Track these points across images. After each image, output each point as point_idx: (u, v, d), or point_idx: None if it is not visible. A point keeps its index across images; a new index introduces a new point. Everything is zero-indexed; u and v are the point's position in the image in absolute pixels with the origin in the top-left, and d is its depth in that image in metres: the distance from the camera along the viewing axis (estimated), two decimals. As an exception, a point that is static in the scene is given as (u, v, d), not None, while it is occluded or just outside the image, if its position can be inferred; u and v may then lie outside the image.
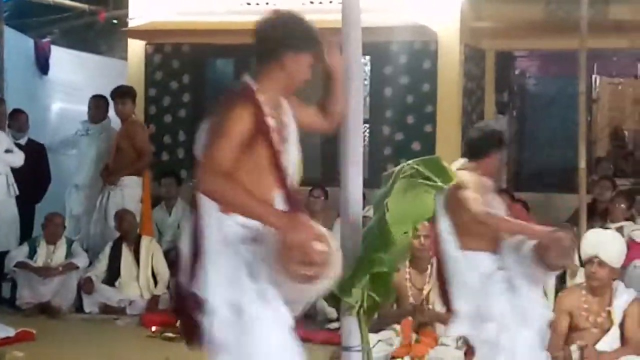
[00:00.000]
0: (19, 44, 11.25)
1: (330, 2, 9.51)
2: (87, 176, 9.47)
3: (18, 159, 8.94)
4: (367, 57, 9.73)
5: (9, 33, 11.03)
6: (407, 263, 6.80)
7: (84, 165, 9.54)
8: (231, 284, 3.31)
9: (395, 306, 6.77)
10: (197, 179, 3.40)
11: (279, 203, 3.46)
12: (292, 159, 3.63)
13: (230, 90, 3.66)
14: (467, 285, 4.98)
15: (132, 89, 9.57)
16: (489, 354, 4.95)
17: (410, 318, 6.63)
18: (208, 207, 3.41)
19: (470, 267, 5.10)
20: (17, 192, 8.94)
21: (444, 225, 5.09)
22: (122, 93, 9.34)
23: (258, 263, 3.32)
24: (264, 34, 3.67)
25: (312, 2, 9.72)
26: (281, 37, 3.58)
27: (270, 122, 3.56)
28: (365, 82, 9.77)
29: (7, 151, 8.90)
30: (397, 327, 6.54)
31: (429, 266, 6.91)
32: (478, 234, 5.07)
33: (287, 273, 3.17)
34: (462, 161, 5.44)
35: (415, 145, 9.57)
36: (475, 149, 5.41)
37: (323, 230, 3.20)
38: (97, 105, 9.63)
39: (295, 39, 3.58)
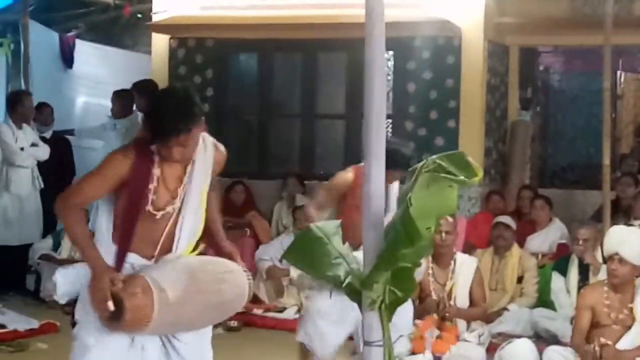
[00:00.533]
0: (44, 38, 11.33)
1: (354, -4, 9.49)
2: None
3: (43, 152, 9.01)
4: (391, 53, 9.73)
5: (35, 27, 11.10)
6: (430, 258, 6.80)
7: None
8: None
9: (418, 302, 6.77)
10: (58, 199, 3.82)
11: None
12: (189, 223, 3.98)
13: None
14: None
15: (151, 82, 9.57)
16: None
17: (435, 316, 6.64)
18: None
19: None
20: (42, 185, 9.01)
21: None
22: (142, 87, 9.36)
23: None
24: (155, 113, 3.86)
25: (336, -3, 9.71)
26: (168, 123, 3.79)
27: (155, 171, 3.87)
28: (389, 78, 9.77)
29: (33, 145, 8.98)
30: (419, 322, 6.54)
31: (452, 262, 6.91)
32: None
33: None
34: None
35: (439, 141, 9.55)
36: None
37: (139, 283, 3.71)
38: (120, 99, 9.68)
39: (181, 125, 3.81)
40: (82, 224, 3.86)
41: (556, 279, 7.47)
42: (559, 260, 7.78)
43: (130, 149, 3.87)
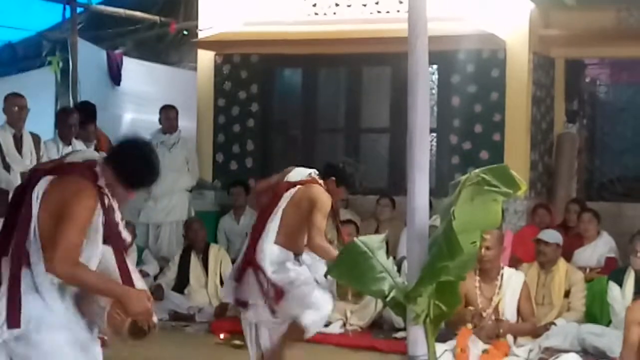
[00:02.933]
0: (92, 56, 11.48)
1: (398, 11, 9.51)
2: (163, 186, 9.54)
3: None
4: (435, 66, 9.71)
5: (83, 45, 11.26)
6: (477, 272, 6.75)
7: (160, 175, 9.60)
8: None
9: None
10: (49, 262, 3.80)
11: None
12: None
13: (76, 168, 4.04)
14: None
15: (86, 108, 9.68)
16: None
17: (469, 326, 6.57)
18: None
19: None
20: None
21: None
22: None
23: None
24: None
25: (379, 12, 9.74)
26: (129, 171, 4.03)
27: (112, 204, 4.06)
28: (433, 91, 9.75)
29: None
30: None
31: (499, 276, 6.85)
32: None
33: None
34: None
35: (484, 154, 9.51)
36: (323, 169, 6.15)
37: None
38: (168, 115, 9.78)
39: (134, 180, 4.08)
40: (91, 271, 3.95)
41: (613, 288, 7.37)
42: (615, 271, 7.70)
43: (90, 186, 3.95)
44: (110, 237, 3.99)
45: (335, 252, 5.70)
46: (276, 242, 5.86)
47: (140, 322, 4.03)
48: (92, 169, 4.03)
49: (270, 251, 5.81)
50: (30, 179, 4.06)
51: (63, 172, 4.02)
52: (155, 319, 4.03)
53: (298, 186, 5.94)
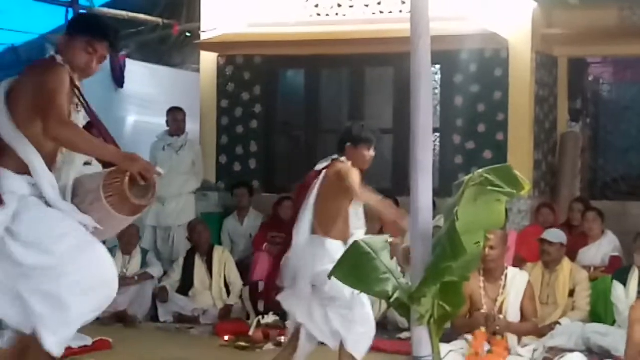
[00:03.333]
0: (95, 58, 11.47)
1: (400, 11, 9.51)
2: (170, 189, 9.54)
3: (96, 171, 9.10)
4: (437, 66, 9.71)
5: (86, 48, 11.25)
6: (481, 272, 6.74)
7: (167, 178, 9.61)
8: None
9: (468, 316, 6.71)
10: (47, 128, 4.07)
11: None
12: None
13: (41, 61, 4.49)
14: None
15: None
16: None
17: (482, 329, 6.57)
18: None
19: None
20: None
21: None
22: None
23: None
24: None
25: (381, 12, 9.74)
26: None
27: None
28: (436, 91, 9.74)
29: (86, 164, 9.08)
30: (470, 337, 6.49)
31: (503, 276, 6.84)
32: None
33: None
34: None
35: (487, 154, 9.50)
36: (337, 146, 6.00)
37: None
38: (176, 117, 9.78)
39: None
40: (85, 132, 4.28)
41: (617, 287, 7.36)
42: (619, 270, 7.69)
43: (56, 64, 4.26)
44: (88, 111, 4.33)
45: (383, 201, 5.68)
46: (315, 233, 5.79)
47: (139, 177, 4.20)
48: (52, 58, 4.30)
49: (304, 241, 5.78)
50: None
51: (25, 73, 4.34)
52: (159, 169, 4.26)
53: (324, 171, 5.90)
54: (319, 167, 6.02)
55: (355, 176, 5.71)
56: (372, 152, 5.95)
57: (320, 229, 5.80)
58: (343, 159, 5.88)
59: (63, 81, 4.15)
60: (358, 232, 6.01)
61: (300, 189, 6.04)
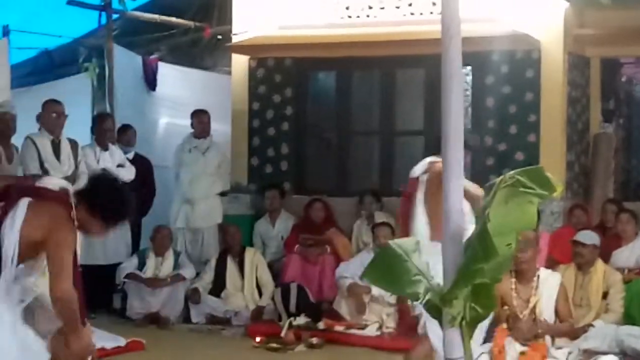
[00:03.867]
0: (128, 62, 11.59)
1: (431, 12, 9.49)
2: (199, 190, 9.61)
3: (129, 173, 9.20)
4: (469, 68, 9.68)
5: (119, 51, 11.37)
6: (513, 274, 6.72)
7: (195, 180, 9.68)
8: None
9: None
10: (56, 288, 4.07)
11: None
12: None
13: (54, 195, 4.26)
14: None
15: None
16: None
17: (504, 326, 6.53)
18: None
19: None
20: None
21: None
22: None
23: None
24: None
25: (412, 14, 9.72)
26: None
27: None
28: (467, 93, 9.71)
29: (119, 166, 9.18)
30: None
31: (535, 278, 6.81)
32: None
33: None
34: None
35: (519, 156, 9.46)
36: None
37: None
38: (200, 120, 9.83)
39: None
40: None
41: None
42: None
43: (69, 216, 4.16)
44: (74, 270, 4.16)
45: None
46: (433, 239, 5.62)
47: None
48: (67, 199, 4.21)
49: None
50: (5, 198, 4.22)
51: (41, 197, 4.20)
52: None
53: (424, 176, 5.72)
54: (416, 173, 5.83)
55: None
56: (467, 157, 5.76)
57: (438, 234, 5.63)
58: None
59: None
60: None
61: (404, 200, 5.83)
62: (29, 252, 4.10)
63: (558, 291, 6.84)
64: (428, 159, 5.75)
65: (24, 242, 4.05)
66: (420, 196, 5.65)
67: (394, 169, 10.16)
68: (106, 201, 4.23)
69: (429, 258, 5.56)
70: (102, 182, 4.38)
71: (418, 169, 5.82)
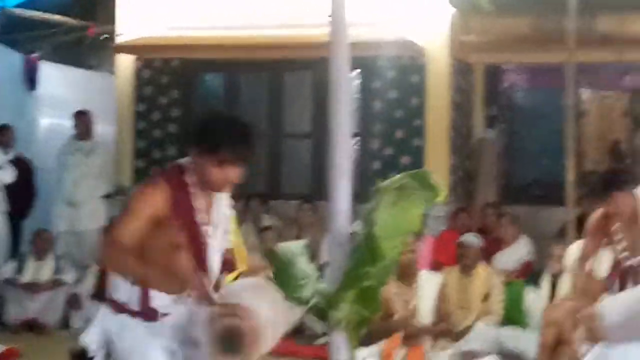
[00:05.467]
0: (7, 60, 11.23)
1: (319, 16, 9.50)
2: (82, 193, 9.39)
3: (9, 175, 8.91)
4: (356, 72, 9.74)
5: (-2, 48, 11.02)
6: (396, 277, 6.78)
7: (79, 182, 9.45)
8: None
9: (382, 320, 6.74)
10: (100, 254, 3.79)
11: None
12: (220, 244, 3.88)
13: (160, 170, 3.99)
14: None
15: None
16: None
17: (398, 333, 6.60)
18: None
19: None
20: (7, 208, 8.91)
21: None
22: None
23: None
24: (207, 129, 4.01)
25: (301, 17, 9.72)
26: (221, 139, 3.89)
27: (196, 203, 3.82)
28: (355, 97, 9.77)
29: (-1, 168, 8.88)
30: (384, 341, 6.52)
31: (416, 280, 6.90)
32: None
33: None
34: None
35: (405, 160, 9.57)
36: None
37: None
38: (82, 120, 9.60)
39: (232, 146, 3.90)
40: (137, 262, 3.69)
41: (529, 291, 7.49)
42: (532, 275, 7.83)
43: (156, 183, 3.79)
44: (189, 235, 3.73)
45: None
46: None
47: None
48: (177, 167, 3.90)
49: None
50: None
51: None
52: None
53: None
54: None
55: None
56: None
57: None
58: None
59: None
60: None
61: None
62: None
63: (437, 291, 6.95)
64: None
65: None
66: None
67: (282, 172, 10.14)
68: (209, 131, 3.91)
69: None
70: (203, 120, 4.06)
71: None
